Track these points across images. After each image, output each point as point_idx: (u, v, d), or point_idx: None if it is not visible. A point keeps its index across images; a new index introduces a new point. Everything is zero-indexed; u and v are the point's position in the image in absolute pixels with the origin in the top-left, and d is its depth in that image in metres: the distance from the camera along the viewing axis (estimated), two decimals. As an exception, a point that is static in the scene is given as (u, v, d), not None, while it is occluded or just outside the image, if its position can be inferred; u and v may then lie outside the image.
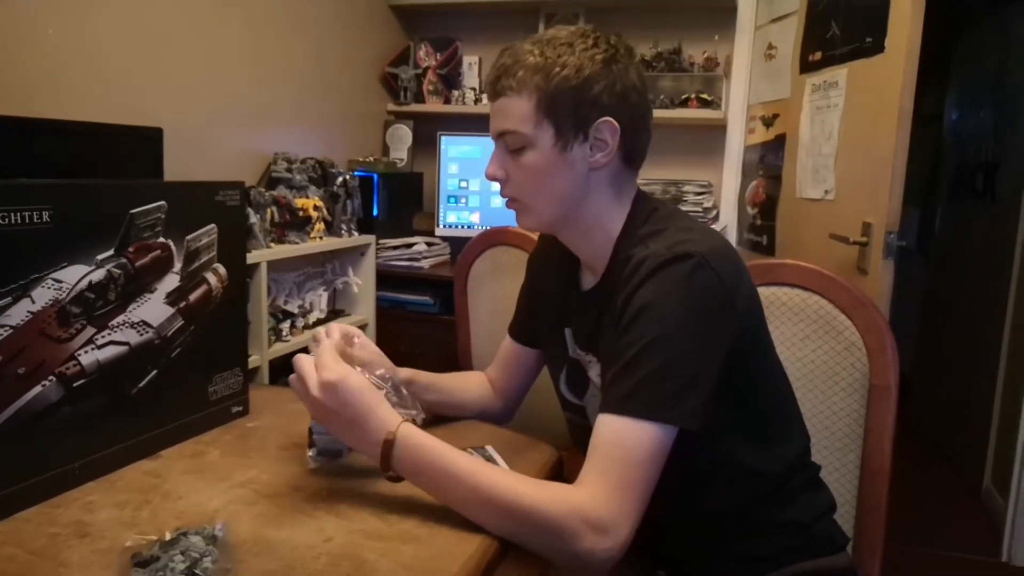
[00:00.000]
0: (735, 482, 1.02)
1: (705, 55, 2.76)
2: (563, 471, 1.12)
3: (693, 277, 0.88)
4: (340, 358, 0.92)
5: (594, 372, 1.04)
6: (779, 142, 2.55)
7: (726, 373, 0.90)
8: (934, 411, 3.49)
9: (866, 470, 1.22)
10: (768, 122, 2.65)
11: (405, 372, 1.12)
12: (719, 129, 2.82)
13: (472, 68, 3.08)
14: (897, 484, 1.21)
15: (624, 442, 0.86)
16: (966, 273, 3.32)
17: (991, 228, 3.03)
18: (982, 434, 2.88)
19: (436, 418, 1.20)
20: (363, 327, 2.47)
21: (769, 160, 2.64)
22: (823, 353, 1.24)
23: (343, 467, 1.03)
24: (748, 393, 1.00)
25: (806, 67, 2.27)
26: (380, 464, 0.88)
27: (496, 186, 1.03)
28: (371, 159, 2.85)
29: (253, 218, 1.94)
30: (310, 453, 1.03)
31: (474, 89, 3.01)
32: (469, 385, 1.27)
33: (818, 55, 2.18)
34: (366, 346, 1.07)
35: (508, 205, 1.04)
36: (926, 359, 3.71)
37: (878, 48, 1.79)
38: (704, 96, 2.74)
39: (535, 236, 1.75)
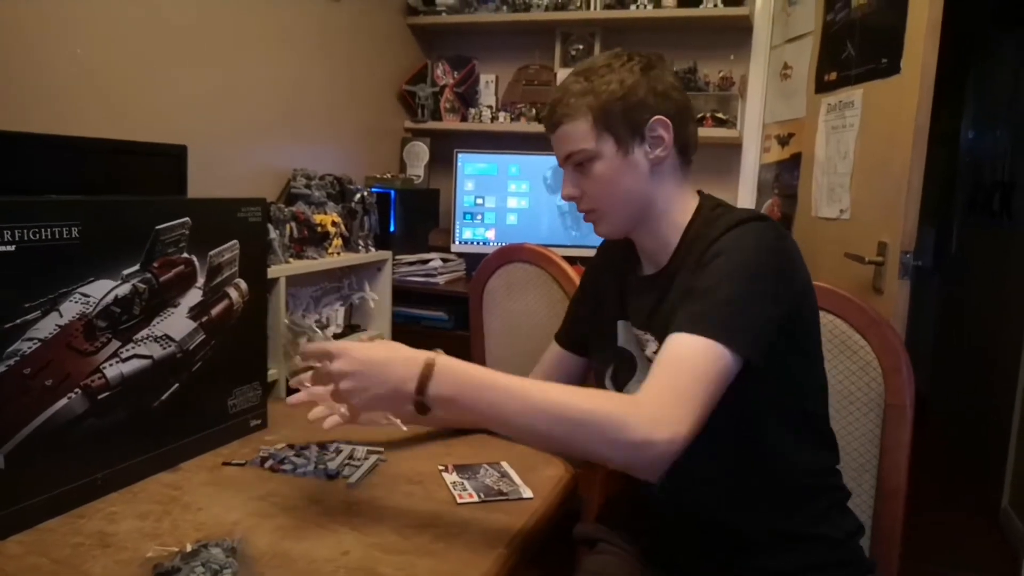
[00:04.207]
0: (768, 479, 1.03)
1: (720, 74, 2.78)
2: (577, 488, 1.12)
3: (767, 233, 0.97)
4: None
5: (650, 350, 1.07)
6: (794, 161, 2.56)
7: (777, 341, 0.94)
8: (950, 431, 3.45)
9: (882, 490, 1.22)
10: (783, 141, 2.65)
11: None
12: (734, 148, 2.82)
13: (489, 86, 3.10)
14: (913, 505, 1.21)
15: (691, 356, 0.88)
16: (982, 292, 3.30)
17: (1007, 247, 3.02)
18: (1000, 455, 2.85)
19: (452, 432, 1.21)
20: (378, 342, 2.48)
21: (784, 179, 2.65)
22: (838, 373, 1.24)
23: (360, 481, 1.04)
24: (793, 371, 1.02)
25: (821, 87, 2.28)
26: (416, 387, 0.86)
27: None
28: (388, 176, 2.87)
29: (272, 234, 1.97)
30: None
31: (490, 107, 3.03)
32: None
33: (833, 75, 2.19)
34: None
35: (586, 218, 1.11)
36: (942, 379, 3.69)
37: (894, 69, 1.80)
38: (719, 115, 2.74)
39: (551, 254, 1.77)
